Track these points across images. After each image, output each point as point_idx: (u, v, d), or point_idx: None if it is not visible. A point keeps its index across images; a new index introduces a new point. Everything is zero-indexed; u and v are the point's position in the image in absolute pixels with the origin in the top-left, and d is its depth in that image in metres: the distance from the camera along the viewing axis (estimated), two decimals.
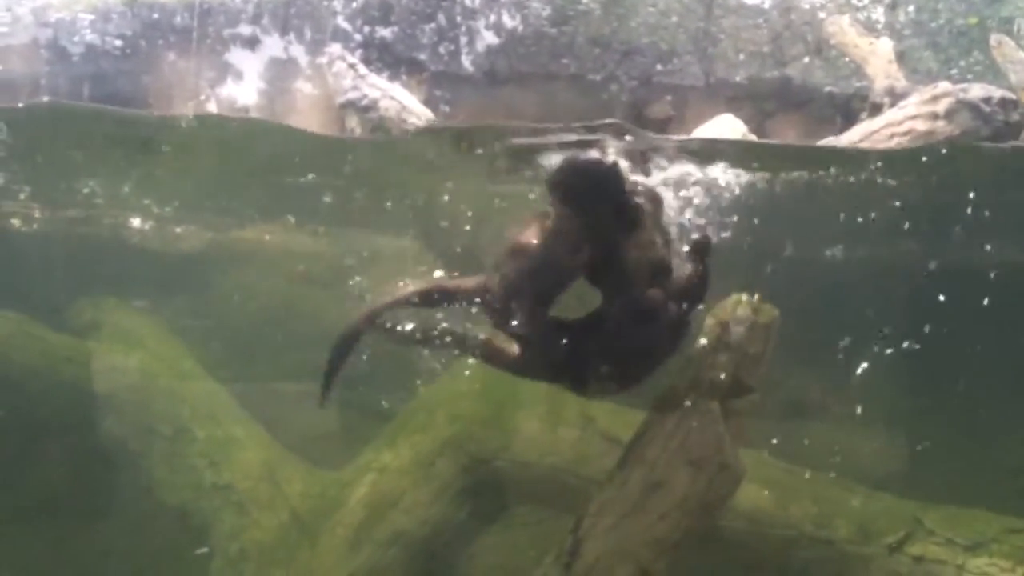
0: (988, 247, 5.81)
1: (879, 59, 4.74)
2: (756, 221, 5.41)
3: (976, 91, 4.28)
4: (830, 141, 4.70)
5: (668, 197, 3.94)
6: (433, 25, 5.05)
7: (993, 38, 4.60)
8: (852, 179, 5.15)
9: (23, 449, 6.17)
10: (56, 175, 6.19)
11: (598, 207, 3.33)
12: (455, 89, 5.04)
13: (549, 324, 3.48)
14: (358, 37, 5.00)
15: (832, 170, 4.98)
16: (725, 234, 4.61)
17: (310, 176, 5.78)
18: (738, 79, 5.01)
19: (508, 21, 5.06)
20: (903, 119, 4.37)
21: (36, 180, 6.28)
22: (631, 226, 3.37)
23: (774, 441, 4.97)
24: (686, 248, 3.57)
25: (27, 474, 6.29)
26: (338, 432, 6.37)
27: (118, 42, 4.83)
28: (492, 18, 5.06)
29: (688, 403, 3.80)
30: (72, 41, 4.80)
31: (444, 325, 3.83)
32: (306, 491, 5.53)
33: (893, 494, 4.87)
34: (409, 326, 3.84)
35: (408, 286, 3.82)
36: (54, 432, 6.20)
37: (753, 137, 4.73)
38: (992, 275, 5.55)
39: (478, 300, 3.64)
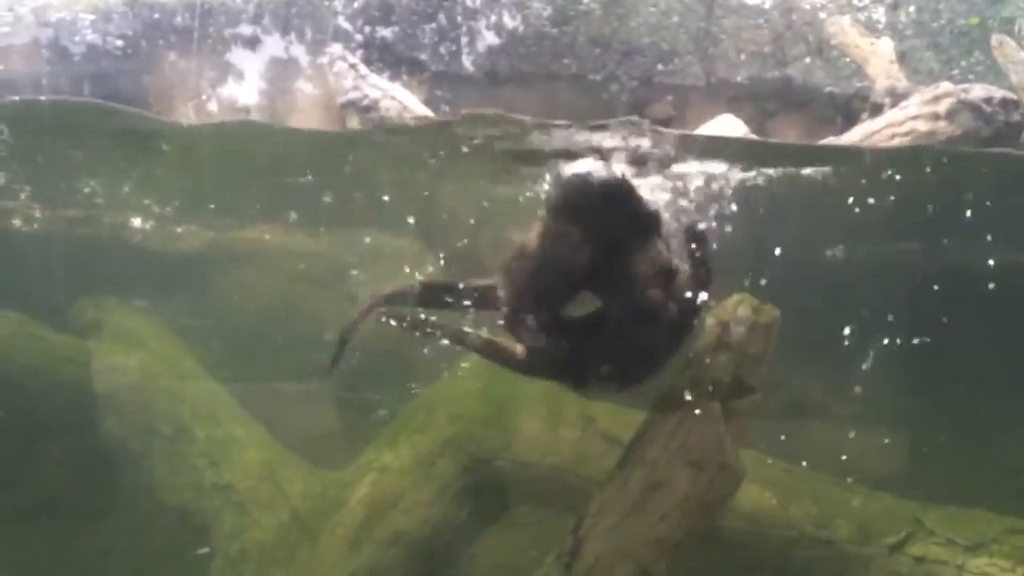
0: (989, 247, 5.81)
1: (880, 59, 4.74)
2: (757, 221, 5.42)
3: (977, 91, 4.28)
4: (831, 141, 4.70)
5: (670, 196, 3.95)
6: (434, 25, 5.05)
7: (994, 38, 4.61)
8: (853, 178, 5.16)
9: (23, 449, 6.17)
10: (57, 175, 6.19)
11: (609, 225, 3.27)
12: (456, 89, 5.04)
13: (553, 325, 3.48)
14: (359, 37, 5.01)
15: (832, 169, 4.98)
16: (726, 230, 4.61)
17: (309, 176, 5.78)
18: (739, 79, 5.01)
19: (509, 21, 5.06)
20: (904, 119, 4.37)
21: (37, 180, 6.28)
22: (641, 238, 3.34)
23: (775, 441, 4.97)
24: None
25: (27, 474, 6.29)
26: (338, 432, 6.37)
27: (119, 42, 4.84)
28: (493, 18, 5.06)
29: (689, 403, 3.80)
30: (73, 41, 4.81)
31: (447, 321, 3.84)
32: (306, 491, 5.53)
33: (894, 494, 4.87)
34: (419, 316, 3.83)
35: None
36: (54, 432, 6.20)
37: (754, 137, 4.73)
38: (993, 275, 5.55)
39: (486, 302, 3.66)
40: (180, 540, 5.74)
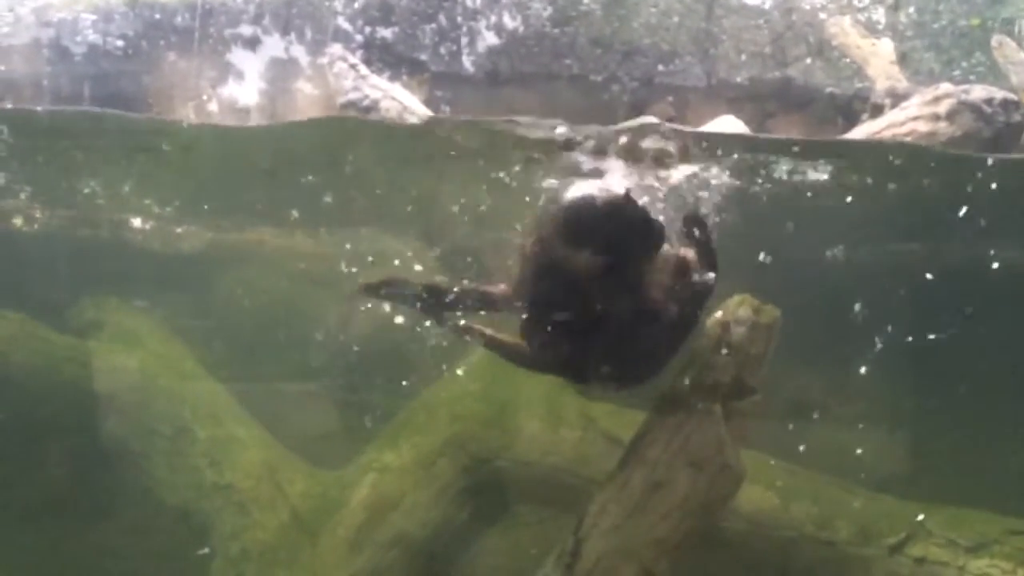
0: (991, 247, 5.81)
1: (880, 60, 4.74)
2: (757, 221, 5.42)
3: (978, 92, 4.28)
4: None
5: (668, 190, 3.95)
6: (434, 25, 5.05)
7: (994, 39, 4.61)
8: (853, 178, 5.16)
9: (24, 449, 6.17)
10: (57, 175, 6.19)
11: (618, 245, 3.25)
12: (456, 89, 5.04)
13: (559, 326, 3.48)
14: (359, 37, 5.00)
15: (833, 169, 4.98)
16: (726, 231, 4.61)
17: (310, 177, 5.78)
18: (739, 80, 5.01)
19: (509, 22, 5.06)
20: (904, 120, 4.37)
21: (37, 180, 6.28)
22: (649, 246, 3.32)
23: (775, 442, 4.97)
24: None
25: (28, 474, 6.29)
26: (339, 432, 6.37)
27: (120, 42, 4.84)
28: (493, 18, 5.06)
29: (689, 404, 3.80)
30: (74, 41, 4.81)
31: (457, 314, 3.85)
32: (307, 491, 5.53)
33: (894, 495, 4.87)
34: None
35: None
36: (55, 432, 6.20)
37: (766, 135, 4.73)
38: (996, 276, 5.55)
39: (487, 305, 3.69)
40: (181, 540, 5.74)
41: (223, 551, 5.44)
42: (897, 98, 4.56)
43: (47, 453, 6.31)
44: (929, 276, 5.63)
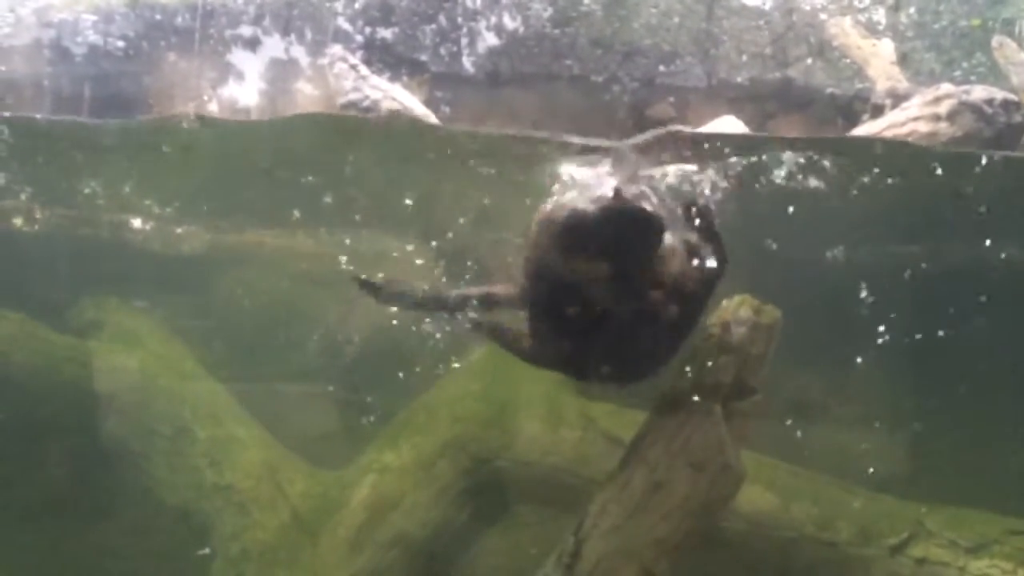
0: (991, 248, 5.81)
1: (881, 61, 4.73)
2: (758, 221, 5.41)
3: (978, 93, 4.28)
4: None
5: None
6: (434, 26, 5.05)
7: (995, 40, 4.60)
8: (853, 179, 5.15)
9: (24, 449, 6.17)
10: (57, 175, 6.19)
11: (625, 252, 3.22)
12: (456, 90, 5.04)
13: (559, 325, 3.48)
14: (359, 38, 5.00)
15: (833, 168, 4.98)
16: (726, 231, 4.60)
17: (310, 177, 5.78)
18: (740, 80, 5.00)
19: (509, 22, 5.05)
20: (905, 121, 4.37)
21: (37, 180, 6.28)
22: (653, 248, 3.30)
23: (776, 442, 4.97)
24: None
25: (28, 474, 6.29)
26: (339, 432, 6.37)
27: (120, 43, 4.83)
28: (493, 19, 5.06)
29: (690, 404, 3.80)
30: (75, 42, 4.81)
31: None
32: (307, 491, 5.53)
33: (895, 496, 4.87)
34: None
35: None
36: (55, 432, 6.20)
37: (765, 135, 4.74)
38: (996, 276, 5.55)
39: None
40: (181, 540, 5.74)
41: (223, 551, 5.44)
42: (898, 99, 4.55)
43: (47, 453, 6.31)
44: (929, 276, 5.64)
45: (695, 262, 3.45)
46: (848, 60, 4.91)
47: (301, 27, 4.96)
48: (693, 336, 3.67)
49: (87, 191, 6.43)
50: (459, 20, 5.04)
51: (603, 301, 3.27)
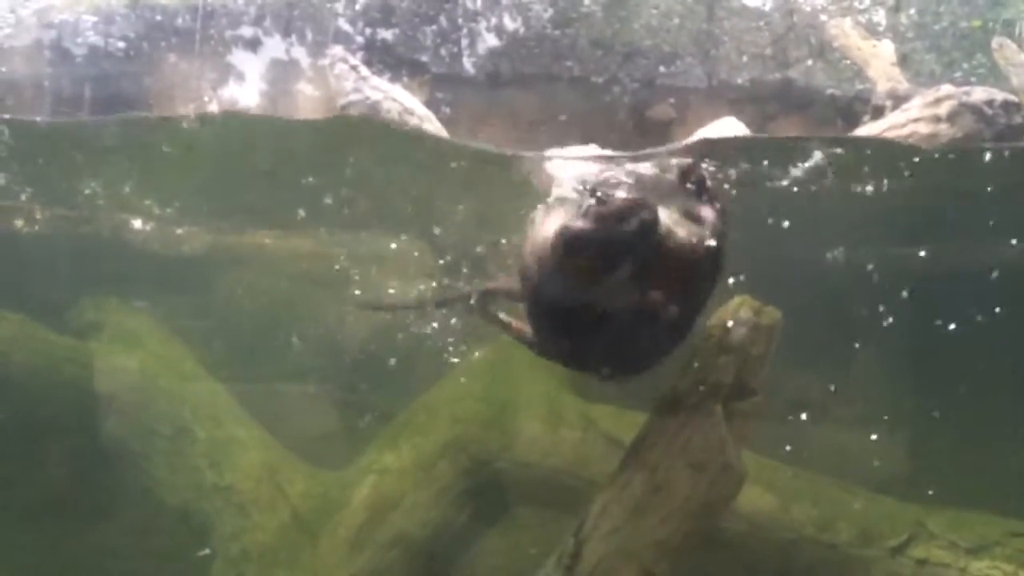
0: (992, 248, 5.81)
1: (881, 62, 4.73)
2: (758, 222, 5.41)
3: (979, 94, 4.27)
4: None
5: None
6: (435, 27, 5.05)
7: (995, 41, 4.60)
8: (853, 179, 5.16)
9: (24, 449, 6.17)
10: (57, 176, 6.19)
11: (628, 256, 3.16)
12: (457, 91, 5.04)
13: (559, 326, 3.48)
14: (360, 39, 5.00)
15: (833, 169, 4.98)
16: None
17: (311, 178, 5.78)
18: (740, 81, 5.00)
19: (510, 23, 5.05)
20: (905, 122, 4.37)
21: (37, 181, 6.28)
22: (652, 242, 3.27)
23: (776, 443, 4.97)
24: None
25: (28, 474, 6.29)
26: (339, 433, 6.38)
27: (121, 44, 4.83)
28: (494, 20, 5.06)
29: (690, 405, 3.80)
30: (75, 43, 4.80)
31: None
32: (307, 492, 5.54)
33: (895, 497, 4.87)
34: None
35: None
36: (55, 432, 6.20)
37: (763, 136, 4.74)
38: (996, 276, 5.55)
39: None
40: (181, 541, 5.75)
41: (223, 552, 5.45)
42: (898, 100, 4.55)
43: (47, 453, 6.31)
44: (929, 276, 5.64)
45: (695, 227, 3.39)
46: (848, 61, 4.91)
47: (302, 28, 4.96)
48: (707, 309, 3.61)
49: (87, 191, 6.43)
50: (459, 21, 5.04)
51: (610, 304, 3.26)
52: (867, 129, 4.55)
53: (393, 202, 6.20)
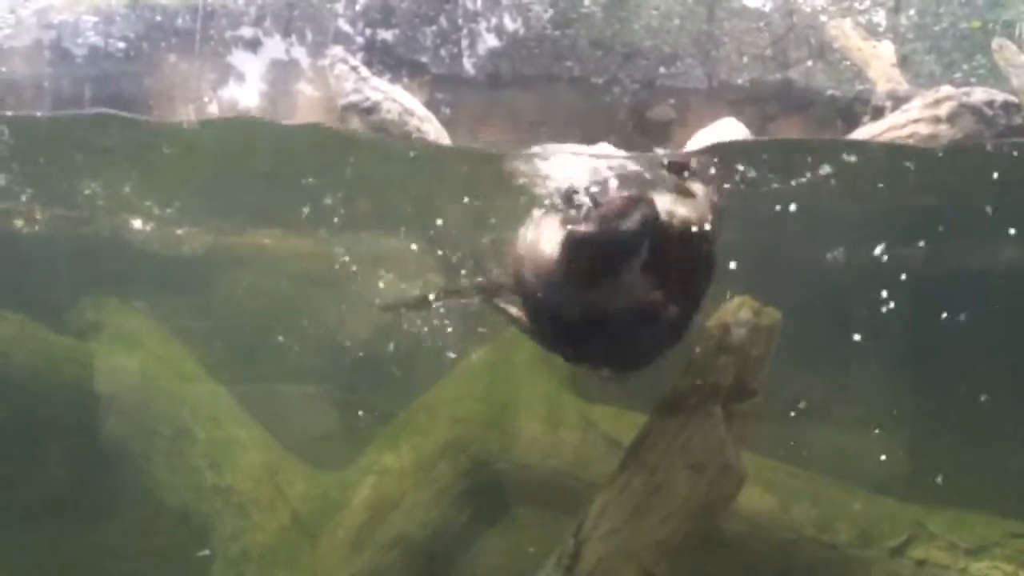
0: (991, 248, 5.81)
1: (881, 62, 4.73)
2: (757, 223, 5.41)
3: (979, 95, 4.27)
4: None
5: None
6: (435, 28, 5.04)
7: (995, 42, 4.60)
8: (853, 180, 5.16)
9: (24, 449, 6.18)
10: (58, 176, 6.19)
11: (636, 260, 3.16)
12: (457, 91, 5.04)
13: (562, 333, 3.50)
14: (360, 39, 5.00)
15: (834, 170, 4.99)
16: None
17: (311, 179, 5.78)
18: (740, 82, 5.00)
19: (510, 24, 5.05)
20: (905, 122, 4.37)
21: (38, 181, 6.28)
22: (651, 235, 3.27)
23: (776, 444, 4.97)
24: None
25: (28, 474, 6.29)
26: (339, 433, 6.38)
27: (121, 44, 4.83)
28: (494, 20, 5.06)
29: (690, 406, 3.80)
30: (75, 43, 4.80)
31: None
32: (307, 493, 5.54)
33: (895, 497, 4.87)
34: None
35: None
36: (55, 433, 6.21)
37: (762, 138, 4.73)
38: (996, 276, 5.55)
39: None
40: (181, 541, 5.75)
41: (223, 552, 5.45)
42: (898, 100, 4.55)
43: (47, 453, 6.31)
44: (928, 276, 5.64)
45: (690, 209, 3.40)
46: (848, 62, 4.90)
47: (302, 28, 4.95)
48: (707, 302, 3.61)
49: (87, 192, 6.43)
50: (459, 22, 5.03)
51: (621, 300, 3.27)
52: (867, 130, 4.54)
53: (392, 202, 6.20)
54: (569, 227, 3.14)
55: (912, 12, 4.97)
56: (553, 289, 3.26)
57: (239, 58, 4.89)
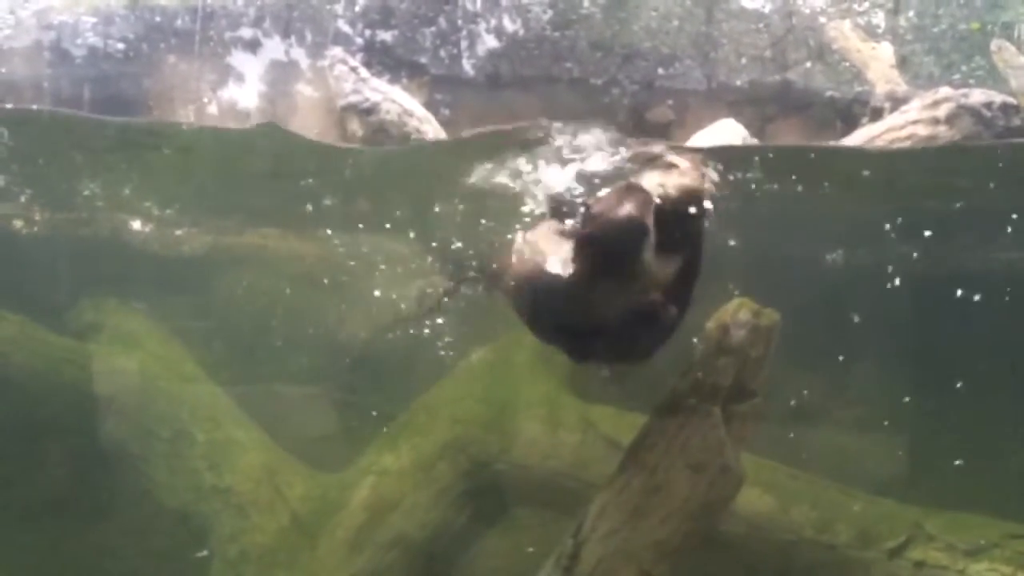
0: (990, 250, 5.81)
1: (880, 64, 4.73)
2: (756, 224, 5.42)
3: (977, 96, 4.28)
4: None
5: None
6: (434, 28, 5.04)
7: (994, 43, 4.60)
8: (852, 182, 5.16)
9: (24, 450, 6.18)
10: (57, 177, 6.19)
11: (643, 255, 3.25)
12: (456, 92, 5.04)
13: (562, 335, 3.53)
14: (359, 40, 5.00)
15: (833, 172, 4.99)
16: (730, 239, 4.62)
17: (310, 180, 5.79)
18: (739, 83, 5.00)
19: (509, 25, 5.05)
20: (904, 124, 4.37)
21: (37, 182, 6.28)
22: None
23: (775, 445, 4.97)
24: None
25: (28, 474, 6.29)
26: (338, 434, 6.38)
27: (120, 45, 4.83)
28: (493, 22, 5.06)
29: (689, 407, 3.80)
30: (75, 44, 4.80)
31: None
32: (306, 493, 5.54)
33: (894, 499, 4.87)
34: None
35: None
36: (55, 434, 6.21)
37: (754, 141, 4.73)
38: (996, 277, 5.55)
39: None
40: (180, 541, 5.75)
41: (222, 553, 5.45)
42: (897, 102, 4.55)
43: (47, 454, 6.31)
44: (928, 277, 5.64)
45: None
46: (847, 63, 4.90)
47: (301, 29, 4.95)
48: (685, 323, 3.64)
49: (86, 193, 6.43)
50: (459, 23, 5.03)
51: (618, 305, 3.30)
52: (866, 131, 4.55)
53: (392, 202, 6.20)
54: (577, 233, 3.19)
55: (911, 14, 4.97)
56: (564, 293, 3.28)
57: (239, 59, 4.89)
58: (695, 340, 3.86)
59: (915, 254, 5.76)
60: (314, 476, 5.65)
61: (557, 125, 4.50)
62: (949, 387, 5.58)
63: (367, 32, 5.01)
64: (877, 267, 5.77)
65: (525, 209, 4.84)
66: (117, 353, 6.31)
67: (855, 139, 4.59)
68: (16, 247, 6.94)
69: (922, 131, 4.30)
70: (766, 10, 5.05)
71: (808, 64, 5.00)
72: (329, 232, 6.77)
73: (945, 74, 4.82)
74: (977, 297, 5.45)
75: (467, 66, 5.04)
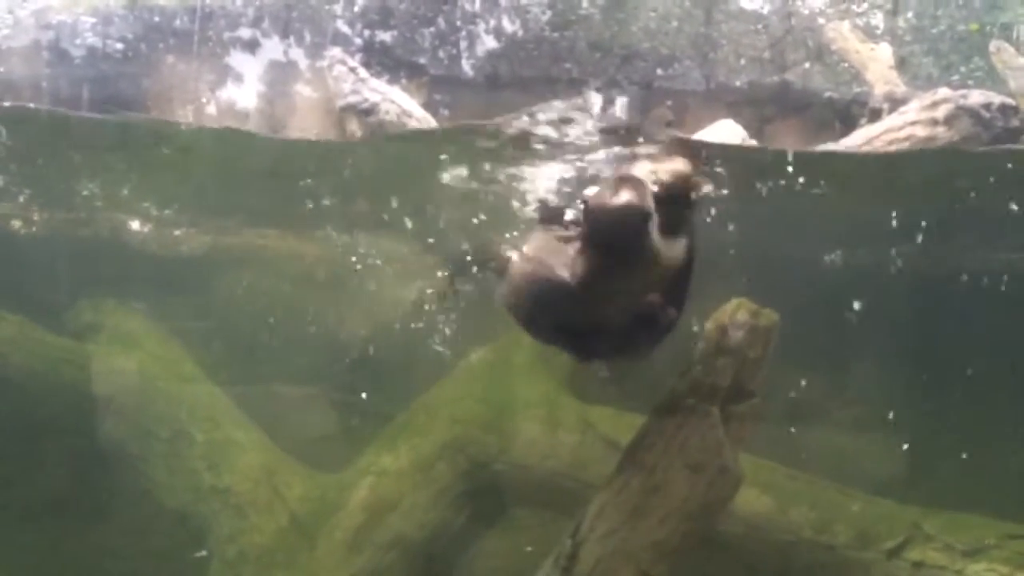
0: (989, 251, 5.82)
1: (879, 65, 4.73)
2: (755, 225, 5.42)
3: (976, 97, 4.28)
4: (829, 147, 4.70)
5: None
6: (433, 29, 5.04)
7: (993, 44, 4.60)
8: (852, 183, 5.16)
9: (24, 450, 6.18)
10: (56, 177, 6.19)
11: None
12: (455, 93, 5.04)
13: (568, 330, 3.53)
14: (358, 41, 5.00)
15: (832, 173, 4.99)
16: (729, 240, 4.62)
17: (309, 180, 5.79)
18: (738, 84, 5.00)
19: (508, 25, 5.05)
20: (903, 125, 4.37)
21: (36, 182, 6.28)
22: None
23: (774, 446, 4.98)
24: None
25: (28, 474, 6.30)
26: (337, 435, 6.38)
27: (119, 45, 4.83)
28: (492, 22, 5.06)
29: (688, 408, 3.80)
30: (73, 44, 4.80)
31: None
32: (305, 494, 5.54)
33: (893, 499, 4.87)
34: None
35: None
36: (54, 434, 6.21)
37: (753, 142, 4.73)
38: (995, 279, 5.55)
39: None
40: (179, 542, 5.75)
41: (220, 554, 5.45)
42: (895, 103, 4.55)
43: (46, 454, 6.32)
44: (927, 277, 5.64)
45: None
46: (846, 64, 4.90)
47: (300, 30, 4.95)
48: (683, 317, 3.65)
49: (85, 193, 6.43)
50: (458, 23, 5.03)
51: (621, 304, 3.31)
52: (864, 132, 4.55)
53: (391, 202, 6.20)
54: (580, 230, 3.18)
55: (910, 14, 4.97)
56: (573, 294, 3.29)
57: (237, 59, 4.89)
58: (695, 340, 3.86)
59: (915, 254, 5.77)
60: (313, 476, 5.65)
61: (544, 117, 4.51)
62: (948, 387, 5.59)
63: (366, 32, 5.01)
64: (877, 267, 5.78)
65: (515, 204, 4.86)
66: (116, 353, 6.31)
67: (854, 140, 4.59)
68: (15, 247, 6.94)
69: (921, 132, 4.30)
70: (765, 11, 5.05)
71: (807, 65, 5.00)
72: (328, 232, 6.78)
73: (944, 75, 4.83)
74: (977, 297, 5.45)
75: (466, 67, 5.04)
